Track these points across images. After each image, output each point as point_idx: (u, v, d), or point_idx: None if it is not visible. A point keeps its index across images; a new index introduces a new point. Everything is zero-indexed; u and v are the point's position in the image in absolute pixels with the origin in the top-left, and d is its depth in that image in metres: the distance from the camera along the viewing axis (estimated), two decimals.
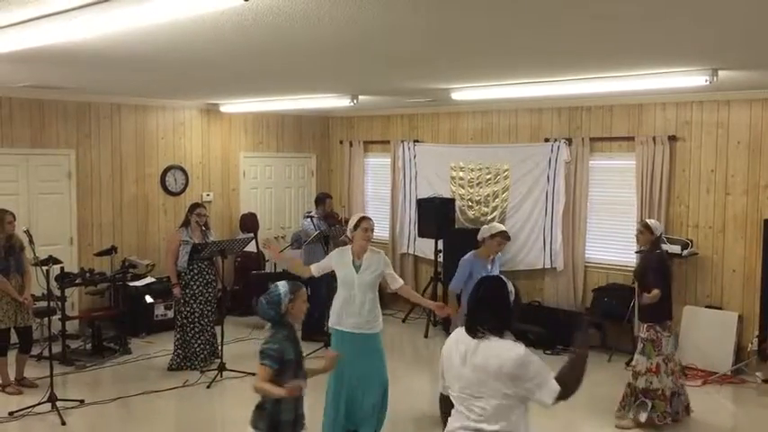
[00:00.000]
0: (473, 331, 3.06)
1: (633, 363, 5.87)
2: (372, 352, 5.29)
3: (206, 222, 7.40)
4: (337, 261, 5.38)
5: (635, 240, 6.06)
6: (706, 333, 7.30)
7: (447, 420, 3.17)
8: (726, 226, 7.41)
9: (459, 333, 3.15)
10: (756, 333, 6.95)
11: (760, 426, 6.05)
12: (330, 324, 5.40)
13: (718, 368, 7.07)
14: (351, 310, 5.24)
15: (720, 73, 5.52)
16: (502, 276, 3.27)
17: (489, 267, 6.24)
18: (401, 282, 5.45)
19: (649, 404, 5.64)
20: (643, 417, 5.63)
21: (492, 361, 2.96)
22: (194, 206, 7.42)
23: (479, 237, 6.43)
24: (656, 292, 5.53)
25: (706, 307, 7.48)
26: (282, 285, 3.69)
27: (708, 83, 5.56)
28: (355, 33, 4.14)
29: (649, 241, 5.78)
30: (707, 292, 7.53)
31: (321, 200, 8.82)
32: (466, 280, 6.11)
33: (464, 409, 3.04)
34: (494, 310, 3.08)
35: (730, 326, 7.18)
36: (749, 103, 7.20)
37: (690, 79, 5.68)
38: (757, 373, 6.90)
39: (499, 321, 3.05)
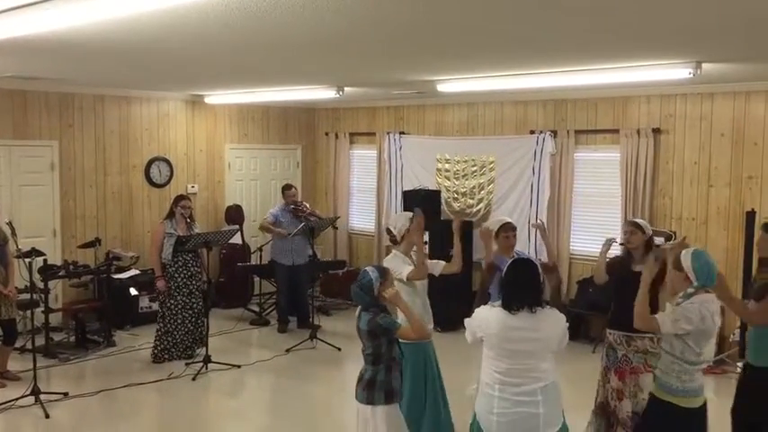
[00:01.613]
0: (520, 307, 3.50)
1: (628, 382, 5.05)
2: (432, 361, 5.03)
3: (191, 214, 7.37)
4: (404, 262, 4.92)
5: (626, 242, 5.16)
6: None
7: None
8: (709, 218, 7.47)
9: (498, 314, 3.54)
10: (738, 324, 7.02)
11: None
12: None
13: None
14: (427, 309, 5.00)
15: (704, 65, 5.55)
16: (531, 258, 3.72)
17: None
18: (441, 263, 5.18)
19: None
20: None
21: (558, 328, 3.59)
22: (179, 198, 7.38)
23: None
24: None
25: None
26: (372, 271, 3.97)
27: (691, 75, 5.58)
28: (340, 24, 4.12)
29: (642, 242, 5.12)
30: None
31: (283, 191, 8.81)
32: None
33: (519, 378, 3.47)
34: (536, 287, 3.62)
35: None
36: (732, 95, 7.25)
37: (674, 72, 5.71)
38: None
39: (540, 296, 3.62)
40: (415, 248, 4.95)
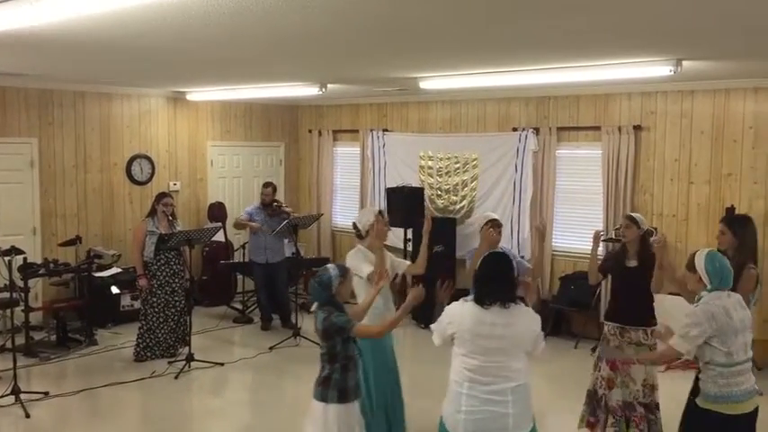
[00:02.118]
0: (493, 302, 3.41)
1: (646, 377, 5.09)
2: (393, 350, 5.11)
3: (173, 212, 7.32)
4: (367, 260, 4.91)
5: (621, 235, 5.27)
6: (669, 320, 7.41)
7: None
8: (689, 214, 7.55)
9: (471, 309, 3.44)
10: None
11: None
12: None
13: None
14: (390, 306, 5.04)
15: (684, 63, 5.61)
16: (506, 252, 3.63)
17: None
18: (406, 263, 5.24)
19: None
20: None
21: (533, 326, 3.49)
22: (161, 195, 7.33)
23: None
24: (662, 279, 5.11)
25: (669, 294, 7.60)
26: (333, 268, 4.02)
27: (672, 73, 5.64)
28: (322, 20, 4.11)
29: (637, 236, 5.17)
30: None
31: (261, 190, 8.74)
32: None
33: (489, 376, 3.37)
34: (509, 281, 3.50)
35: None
36: (712, 93, 7.33)
37: (654, 69, 5.76)
38: None
39: (513, 291, 3.49)
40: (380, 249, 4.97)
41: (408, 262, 5.28)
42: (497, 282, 3.47)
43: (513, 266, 3.54)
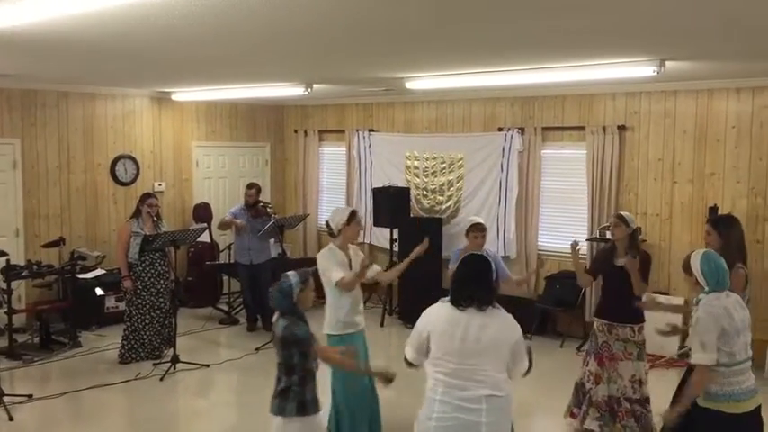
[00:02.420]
0: (468, 304, 3.34)
1: (634, 372, 5.21)
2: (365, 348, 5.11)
3: (157, 213, 7.28)
4: (337, 261, 4.91)
5: (611, 234, 5.44)
6: (653, 318, 7.47)
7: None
8: (673, 214, 7.61)
9: (447, 310, 3.38)
10: None
11: None
12: (342, 331, 4.90)
13: (664, 352, 7.27)
14: (359, 308, 5.00)
15: (668, 64, 5.64)
16: (485, 254, 3.61)
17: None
18: (377, 268, 5.25)
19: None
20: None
21: (511, 331, 3.37)
22: (145, 196, 7.29)
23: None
24: (644, 286, 5.23)
25: (653, 293, 7.66)
26: (293, 275, 3.92)
27: (656, 73, 5.68)
28: (308, 19, 4.11)
29: (626, 235, 5.26)
30: (654, 278, 7.67)
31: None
32: None
33: (464, 381, 3.27)
34: (486, 283, 3.41)
35: (676, 311, 7.35)
36: (695, 93, 7.39)
37: (638, 70, 5.80)
38: None
39: (491, 294, 3.40)
40: (351, 247, 5.06)
41: (379, 268, 5.25)
42: (474, 283, 3.40)
43: (492, 269, 3.47)
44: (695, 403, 3.73)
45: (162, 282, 7.22)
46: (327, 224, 5.09)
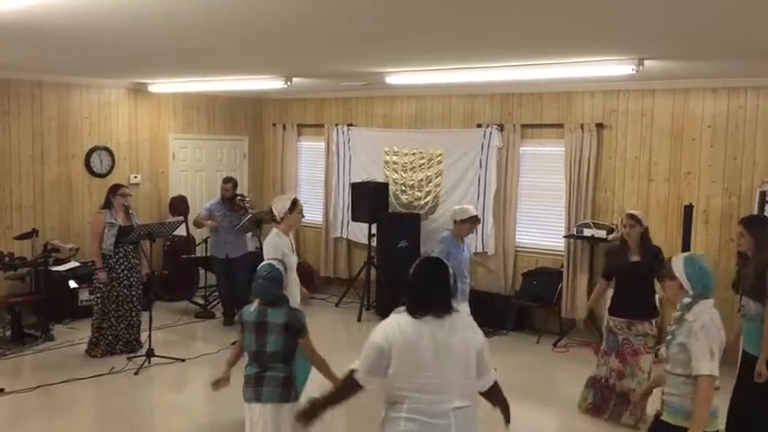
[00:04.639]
0: (425, 312, 3.07)
1: (652, 366, 5.35)
2: None
3: (129, 204, 7.15)
4: (284, 246, 5.32)
5: (626, 234, 5.50)
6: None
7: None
8: (649, 212, 7.66)
9: (407, 322, 3.07)
10: None
11: None
12: None
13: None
14: (295, 293, 5.27)
15: (646, 63, 5.68)
16: (441, 258, 3.37)
17: (463, 248, 6.21)
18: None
19: None
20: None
21: (472, 335, 3.15)
22: (116, 187, 7.15)
23: (451, 217, 6.33)
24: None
25: None
26: (278, 264, 4.11)
27: (634, 72, 5.71)
28: (287, 11, 4.07)
29: (639, 235, 5.37)
30: None
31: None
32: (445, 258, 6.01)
33: (430, 395, 3.03)
34: (447, 288, 3.14)
35: None
36: (672, 92, 7.46)
37: (617, 68, 5.83)
38: None
39: (449, 300, 3.14)
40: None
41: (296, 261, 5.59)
42: (436, 290, 3.13)
43: (450, 273, 3.17)
44: (668, 424, 3.44)
45: (134, 275, 7.12)
46: (270, 210, 5.52)
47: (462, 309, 5.39)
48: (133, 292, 7.13)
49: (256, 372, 3.96)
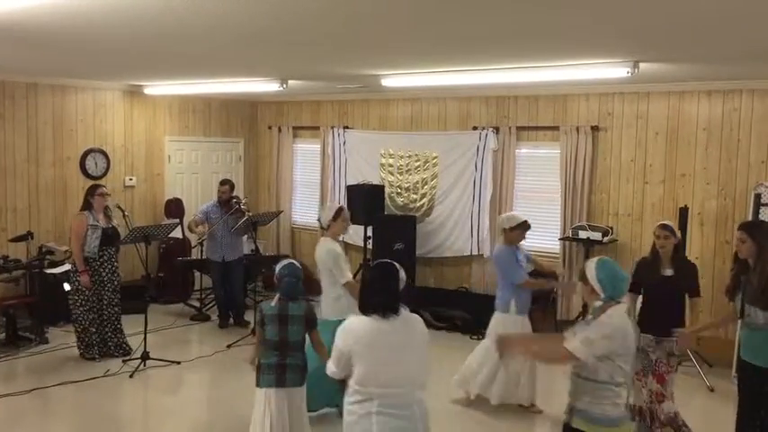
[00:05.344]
0: (373, 312, 3.36)
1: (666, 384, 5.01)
2: None
3: (106, 206, 7.04)
4: (340, 253, 5.51)
5: (660, 246, 5.04)
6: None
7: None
8: (644, 214, 7.70)
9: (367, 322, 3.37)
10: None
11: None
12: (341, 315, 4.84)
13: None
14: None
15: (641, 65, 5.70)
16: (392, 261, 3.57)
17: (519, 253, 5.97)
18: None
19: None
20: None
21: (423, 329, 3.49)
22: (95, 187, 7.02)
23: (500, 227, 6.07)
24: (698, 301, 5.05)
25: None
26: (295, 261, 4.60)
27: (629, 74, 5.73)
28: (282, 13, 4.07)
29: (674, 247, 5.06)
30: None
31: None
32: (516, 267, 5.88)
33: (397, 387, 3.34)
34: (390, 291, 3.43)
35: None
36: (667, 95, 7.48)
37: (612, 71, 5.84)
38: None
39: (395, 301, 3.42)
40: (341, 237, 5.79)
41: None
42: (378, 291, 3.42)
43: (399, 276, 3.48)
44: (572, 427, 3.45)
45: (115, 278, 7.07)
46: (319, 219, 5.79)
47: (521, 322, 5.85)
48: (117, 296, 7.08)
49: (278, 360, 4.41)
